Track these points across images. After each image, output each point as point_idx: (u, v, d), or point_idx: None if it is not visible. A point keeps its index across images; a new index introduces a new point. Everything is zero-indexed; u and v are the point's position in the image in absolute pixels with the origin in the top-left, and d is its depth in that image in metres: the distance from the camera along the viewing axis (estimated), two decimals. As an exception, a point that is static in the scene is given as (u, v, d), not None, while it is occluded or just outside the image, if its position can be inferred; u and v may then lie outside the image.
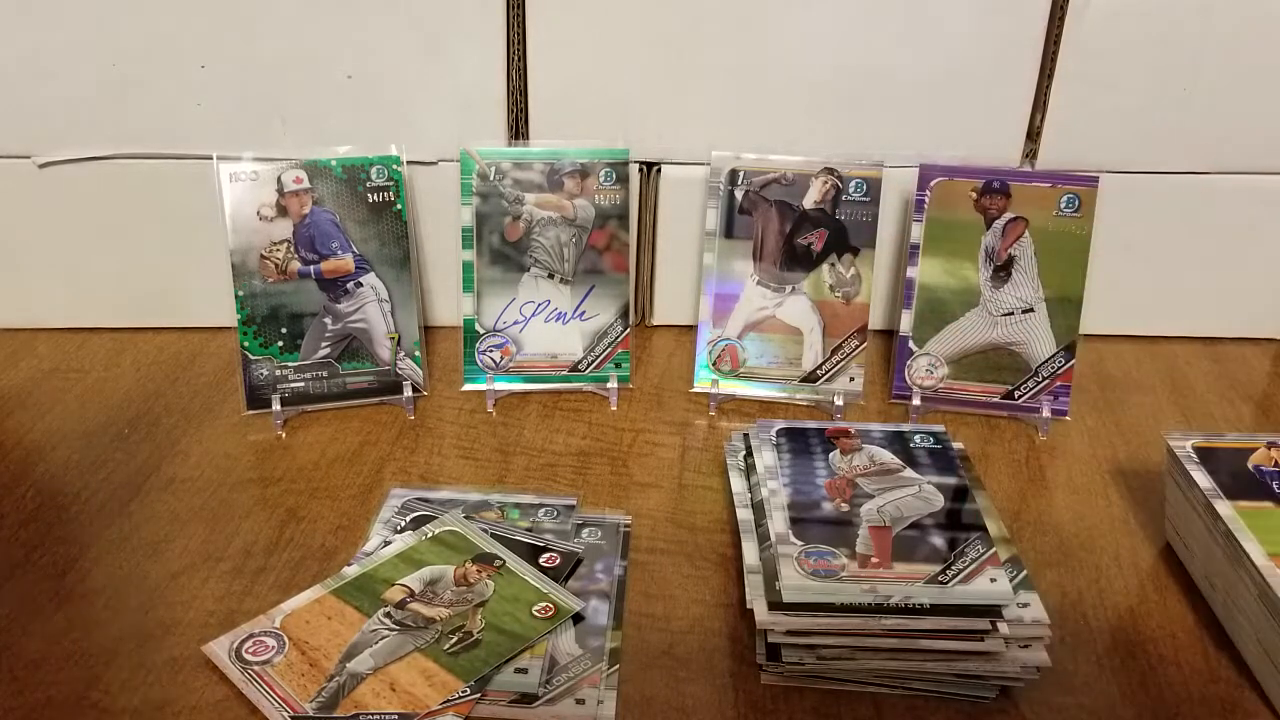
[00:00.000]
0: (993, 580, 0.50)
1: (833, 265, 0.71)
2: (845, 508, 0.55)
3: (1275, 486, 0.56)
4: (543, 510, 0.60)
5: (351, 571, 0.55)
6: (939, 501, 0.56)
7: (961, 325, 0.70)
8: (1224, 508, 0.54)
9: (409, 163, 0.70)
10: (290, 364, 0.69)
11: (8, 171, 0.73)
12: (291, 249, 0.68)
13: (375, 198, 0.69)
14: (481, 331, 0.71)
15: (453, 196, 0.70)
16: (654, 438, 0.68)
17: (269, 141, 0.73)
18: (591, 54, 0.72)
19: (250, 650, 0.50)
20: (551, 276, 0.71)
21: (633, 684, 0.50)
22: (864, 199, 0.70)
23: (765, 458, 0.59)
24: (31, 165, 0.73)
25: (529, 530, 0.58)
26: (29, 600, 0.54)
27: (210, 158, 0.67)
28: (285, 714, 0.46)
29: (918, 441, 0.61)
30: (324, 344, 0.69)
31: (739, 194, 0.70)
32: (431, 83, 0.72)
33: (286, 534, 0.59)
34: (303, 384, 0.69)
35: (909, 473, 0.58)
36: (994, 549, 0.52)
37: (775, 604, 0.49)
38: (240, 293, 0.67)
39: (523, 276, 0.71)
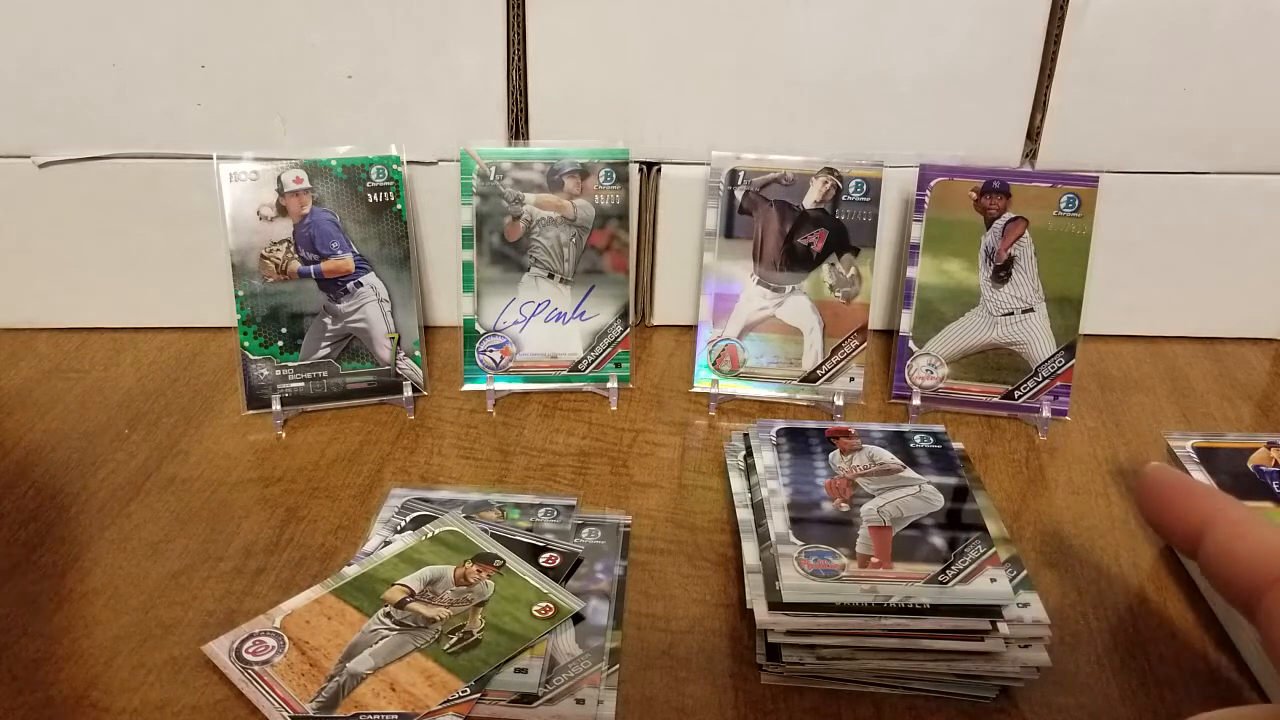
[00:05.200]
0: (993, 580, 0.50)
1: (833, 265, 0.71)
2: (845, 508, 0.55)
3: (1275, 486, 0.56)
4: (543, 510, 0.60)
5: (351, 571, 0.55)
6: (939, 501, 0.56)
7: (961, 325, 0.70)
8: (1224, 508, 0.54)
9: (409, 163, 0.70)
10: (290, 364, 0.69)
11: (8, 171, 0.73)
12: (291, 249, 0.68)
13: (375, 198, 0.69)
14: (481, 331, 0.71)
15: (453, 196, 0.70)
16: (654, 438, 0.68)
17: (269, 141, 0.73)
18: (591, 54, 0.72)
19: (250, 650, 0.50)
20: (551, 276, 0.71)
21: (633, 684, 0.50)
22: (864, 199, 0.70)
23: (765, 458, 0.59)
24: (31, 165, 0.73)
25: (529, 530, 0.58)
26: (29, 600, 0.54)
27: (210, 158, 0.67)
28: (285, 714, 0.46)
29: (918, 441, 0.61)
30: (324, 344, 0.69)
31: (739, 194, 0.70)
32: (431, 83, 0.72)
33: (286, 534, 0.59)
34: (302, 384, 0.69)
35: (909, 473, 0.58)
36: (994, 549, 0.52)
37: (775, 604, 0.49)
38: (240, 293, 0.67)
39: (523, 276, 0.71)
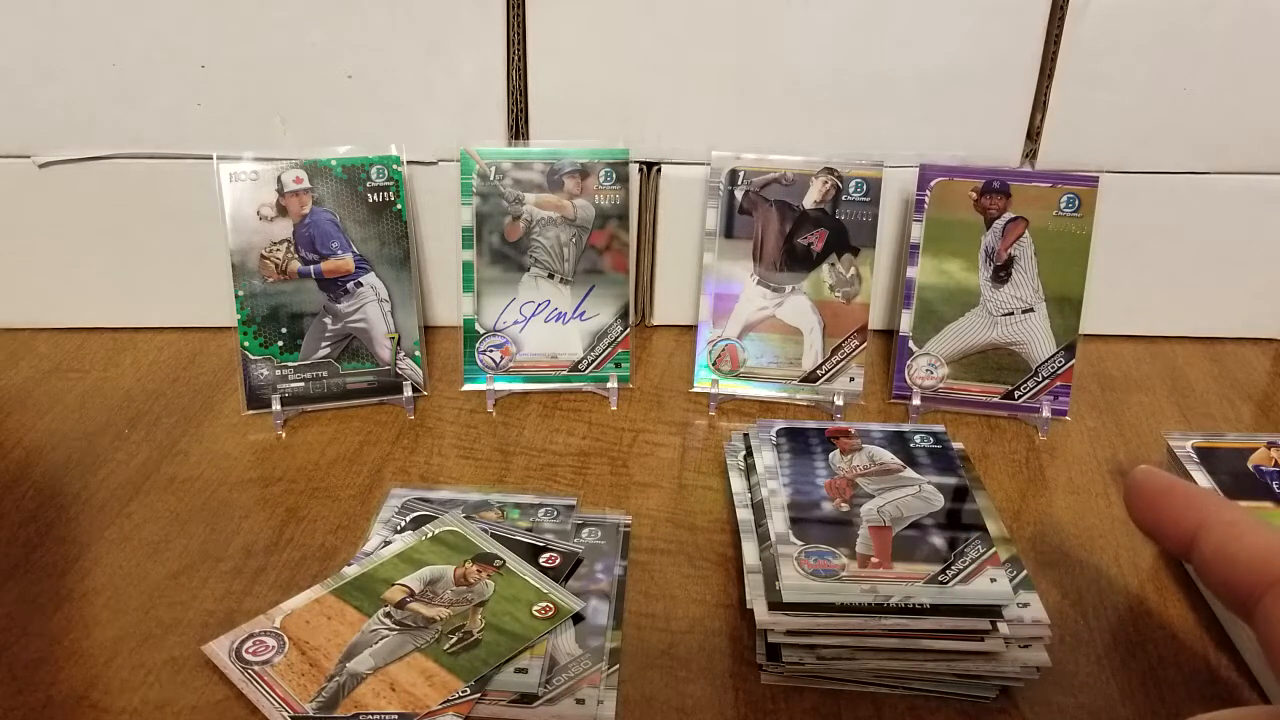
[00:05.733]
0: (993, 580, 0.50)
1: (833, 265, 0.71)
2: (845, 508, 0.55)
3: (1275, 486, 0.56)
4: (543, 510, 0.60)
5: (351, 571, 0.55)
6: (939, 501, 0.56)
7: (961, 325, 0.70)
8: (1224, 508, 0.54)
9: (409, 163, 0.70)
10: (290, 364, 0.69)
11: (8, 171, 0.73)
12: (291, 249, 0.68)
13: (375, 198, 0.69)
14: (481, 331, 0.71)
15: (453, 196, 0.70)
16: (654, 438, 0.68)
17: (269, 141, 0.73)
18: (591, 54, 0.72)
19: (250, 650, 0.50)
20: (551, 276, 0.71)
21: (633, 684, 0.50)
22: (864, 199, 0.70)
23: (765, 458, 0.59)
24: (31, 165, 0.73)
25: (529, 530, 0.58)
26: (29, 600, 0.54)
27: (210, 158, 0.67)
28: (285, 714, 0.46)
29: (918, 441, 0.61)
30: (324, 344, 0.69)
31: (739, 194, 0.70)
32: (431, 83, 0.72)
33: (286, 534, 0.59)
34: (303, 384, 0.69)
35: (909, 473, 0.58)
36: (994, 549, 0.52)
37: (775, 604, 0.49)
38: (240, 293, 0.67)
39: (523, 276, 0.71)
